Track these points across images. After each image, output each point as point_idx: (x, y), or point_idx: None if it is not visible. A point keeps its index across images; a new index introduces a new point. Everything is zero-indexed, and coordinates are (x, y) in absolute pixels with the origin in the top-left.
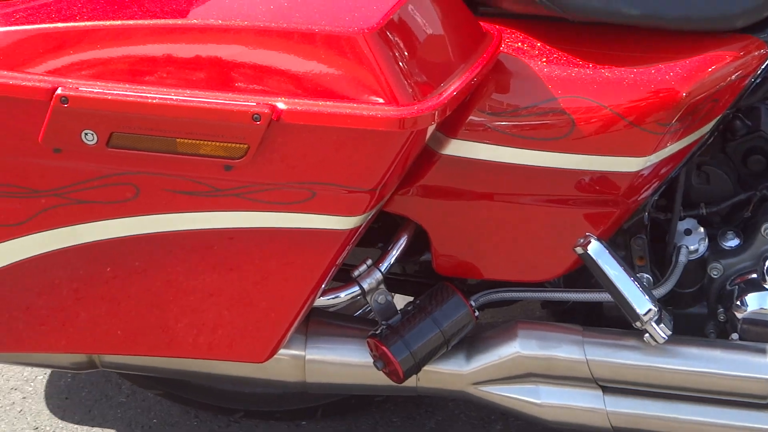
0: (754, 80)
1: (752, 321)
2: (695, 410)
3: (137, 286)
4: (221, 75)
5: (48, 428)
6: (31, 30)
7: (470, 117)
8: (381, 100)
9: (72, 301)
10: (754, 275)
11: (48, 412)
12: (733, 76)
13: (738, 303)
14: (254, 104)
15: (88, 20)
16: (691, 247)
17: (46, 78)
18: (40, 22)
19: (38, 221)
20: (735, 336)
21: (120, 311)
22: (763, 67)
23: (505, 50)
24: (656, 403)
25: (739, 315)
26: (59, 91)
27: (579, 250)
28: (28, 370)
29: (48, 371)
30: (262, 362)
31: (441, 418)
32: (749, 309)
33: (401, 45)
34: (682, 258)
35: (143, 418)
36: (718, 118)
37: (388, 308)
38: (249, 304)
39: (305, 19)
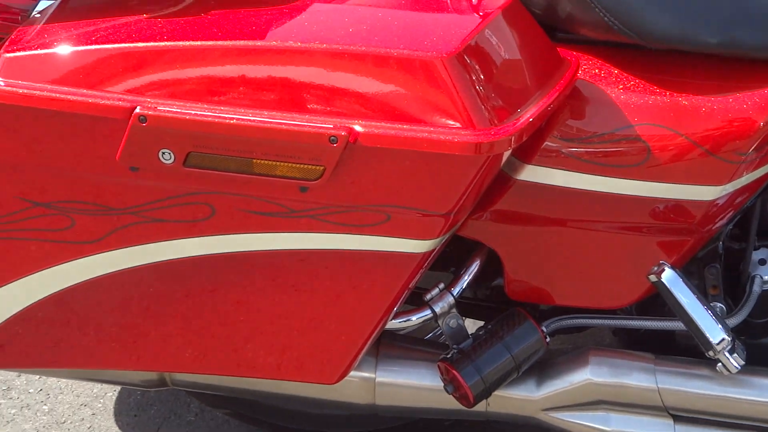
0: None
1: None
2: None
3: (209, 305)
4: (298, 96)
5: None
6: (111, 49)
7: (546, 143)
8: (458, 125)
9: (144, 319)
10: None
11: (117, 429)
12: None
13: None
14: (331, 126)
15: (167, 40)
16: (765, 277)
17: (125, 97)
18: (120, 42)
19: (113, 239)
20: None
21: (192, 330)
22: None
23: (582, 77)
24: None
25: None
26: (138, 110)
27: (653, 278)
28: (98, 387)
29: (118, 388)
30: (332, 384)
31: None
32: None
33: (479, 70)
34: (756, 288)
35: None
36: None
37: (459, 332)
38: (321, 326)
39: (383, 43)
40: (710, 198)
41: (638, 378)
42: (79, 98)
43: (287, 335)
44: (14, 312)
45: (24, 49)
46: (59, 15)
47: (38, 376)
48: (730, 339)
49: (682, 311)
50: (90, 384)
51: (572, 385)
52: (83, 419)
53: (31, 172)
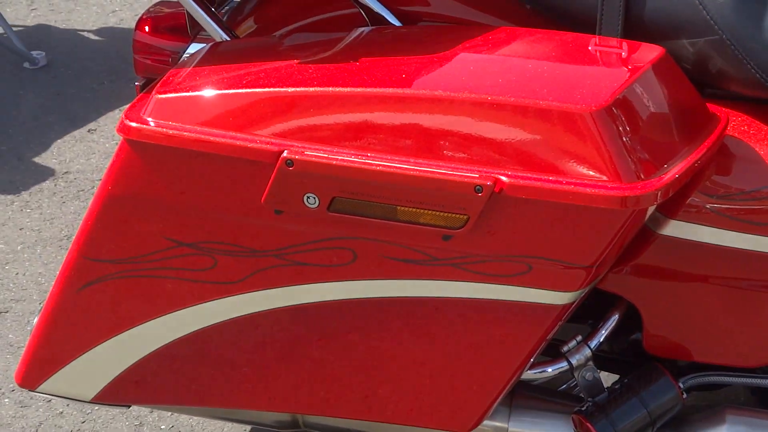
0: None
1: None
2: None
3: (345, 349)
4: (444, 144)
5: None
6: (259, 93)
7: (692, 198)
8: (604, 178)
9: (279, 361)
10: None
11: None
12: None
13: None
14: (477, 176)
15: (315, 86)
16: None
17: (272, 140)
18: (269, 86)
19: (254, 280)
20: None
21: (326, 373)
22: None
23: (731, 133)
24: None
25: None
26: (285, 153)
27: None
28: (228, 425)
29: (249, 428)
30: (467, 431)
31: None
32: None
33: (627, 123)
34: None
35: None
36: None
37: (595, 385)
38: (456, 374)
39: (532, 94)
40: None
41: None
42: (227, 140)
43: (422, 382)
44: (153, 349)
45: (174, 91)
46: (209, 58)
47: (170, 414)
48: None
49: None
50: (221, 423)
51: None
52: None
53: (176, 212)
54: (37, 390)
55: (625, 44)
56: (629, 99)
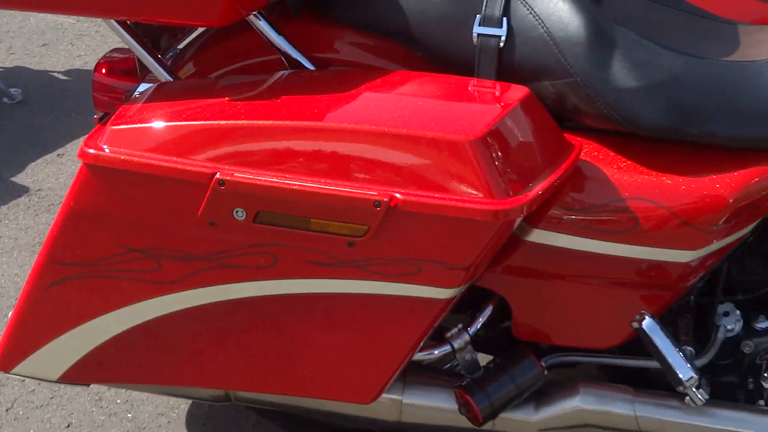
0: None
1: None
2: None
3: (268, 335)
4: (349, 167)
5: None
6: (197, 125)
7: (552, 211)
8: (480, 195)
9: (213, 346)
10: None
11: None
12: None
13: (766, 375)
14: (375, 193)
15: (243, 119)
16: (728, 327)
17: (207, 164)
18: (205, 119)
19: (192, 280)
20: (762, 402)
21: (251, 356)
22: None
23: (584, 157)
24: None
25: (766, 385)
26: (218, 175)
27: (635, 324)
28: (173, 400)
29: (189, 401)
30: (367, 404)
31: None
32: None
33: (498, 150)
34: (720, 335)
35: None
36: (758, 221)
37: (473, 364)
38: (360, 355)
39: (421, 125)
40: (686, 260)
41: (619, 407)
42: (170, 164)
43: (331, 363)
44: (108, 337)
45: (126, 123)
46: (156, 96)
47: (125, 390)
48: (697, 377)
49: (658, 353)
50: (167, 397)
51: (564, 411)
52: (160, 426)
53: (127, 223)
54: (11, 372)
55: (498, 85)
56: (500, 130)
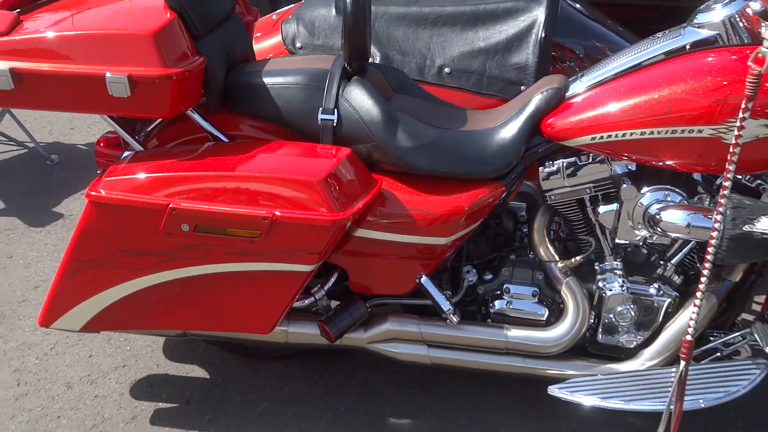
0: (500, 201)
1: (499, 314)
2: (469, 357)
3: (205, 297)
4: (249, 197)
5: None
6: (159, 175)
7: (367, 218)
8: (325, 211)
9: (174, 304)
10: (497, 292)
11: (167, 356)
12: (490, 199)
13: (490, 306)
14: (264, 212)
15: (187, 171)
16: (469, 279)
17: (165, 198)
18: (163, 171)
19: (158, 267)
20: (489, 320)
21: (197, 309)
22: (503, 196)
23: (384, 187)
24: (451, 351)
25: (491, 311)
26: (171, 205)
27: (417, 280)
28: (155, 338)
29: (165, 338)
30: (267, 333)
31: (350, 361)
32: (494, 309)
33: (334, 184)
34: (465, 284)
35: (200, 356)
36: (481, 219)
37: (327, 308)
38: (261, 305)
39: (290, 171)
40: (443, 243)
41: (411, 327)
42: (143, 200)
43: (245, 310)
44: (111, 302)
45: (115, 176)
46: (133, 160)
47: (126, 334)
48: (452, 308)
49: (430, 296)
50: (153, 337)
51: (380, 331)
52: (147, 353)
53: (118, 235)
54: (50, 326)
55: (333, 148)
56: (334, 173)
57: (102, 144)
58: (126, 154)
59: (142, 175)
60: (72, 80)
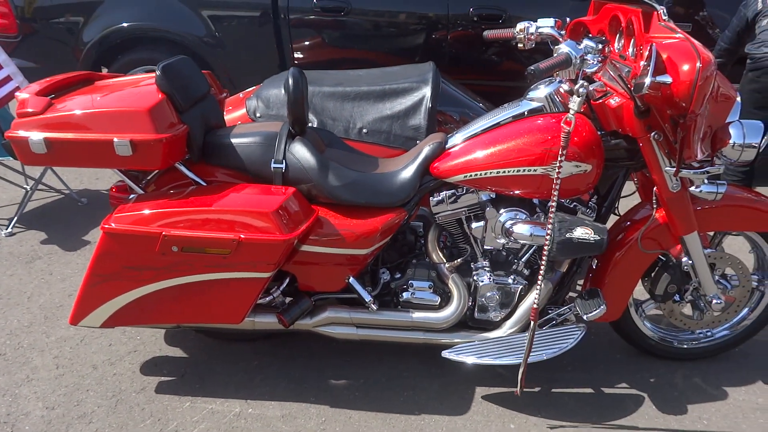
0: (404, 222)
1: (406, 302)
2: (386, 333)
3: (191, 297)
4: (222, 225)
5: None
6: (155, 212)
7: (310, 237)
8: (278, 233)
9: (168, 304)
10: (404, 286)
11: (166, 342)
12: (396, 221)
13: (400, 297)
14: (232, 236)
15: (175, 208)
16: (384, 277)
17: (159, 228)
18: (157, 208)
19: (155, 279)
20: (399, 306)
21: (186, 307)
22: (406, 218)
23: (321, 214)
24: (373, 330)
25: (399, 300)
26: (164, 233)
27: (346, 279)
28: (157, 331)
29: (164, 330)
30: (238, 323)
31: (301, 340)
32: (402, 299)
33: (284, 214)
34: (381, 281)
35: (185, 342)
36: (392, 234)
37: (283, 303)
38: (234, 303)
39: (252, 206)
40: (364, 253)
41: (343, 313)
42: (143, 230)
43: (221, 307)
44: (122, 305)
45: (123, 212)
46: (137, 200)
47: (136, 328)
48: (373, 299)
49: (356, 291)
50: (156, 329)
51: (322, 318)
52: (152, 340)
53: (124, 258)
54: (77, 325)
55: (283, 188)
56: (284, 205)
57: (114, 190)
58: (132, 196)
59: (142, 212)
60: (89, 145)
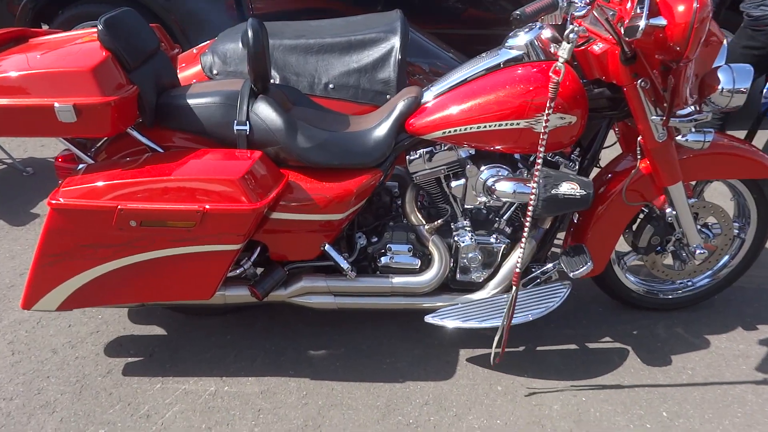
0: (379, 183)
1: (384, 266)
2: (365, 300)
3: (156, 275)
4: (185, 195)
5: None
6: (107, 183)
7: (280, 203)
8: (245, 201)
9: (130, 283)
10: (382, 251)
11: (131, 320)
12: (372, 182)
13: (378, 261)
14: (197, 206)
15: (129, 178)
16: (361, 242)
17: (114, 201)
18: (111, 179)
19: (114, 256)
20: (378, 272)
21: (149, 284)
22: (381, 179)
23: (291, 178)
24: (352, 298)
25: (378, 264)
26: (119, 206)
27: (322, 247)
28: (121, 310)
29: (127, 309)
30: (208, 299)
31: (275, 312)
32: (381, 263)
33: (251, 180)
34: (358, 246)
35: (159, 319)
36: (367, 197)
37: (255, 274)
38: (203, 278)
39: (214, 173)
40: (339, 218)
41: (319, 282)
42: (95, 204)
43: (190, 282)
44: (78, 286)
45: (71, 186)
46: (86, 171)
47: (96, 308)
48: (350, 266)
49: (331, 258)
50: (119, 309)
51: (297, 287)
52: (115, 318)
53: (77, 233)
54: (31, 309)
55: (248, 152)
56: (251, 171)
57: (60, 159)
58: (80, 167)
59: (94, 184)
60: (27, 111)
